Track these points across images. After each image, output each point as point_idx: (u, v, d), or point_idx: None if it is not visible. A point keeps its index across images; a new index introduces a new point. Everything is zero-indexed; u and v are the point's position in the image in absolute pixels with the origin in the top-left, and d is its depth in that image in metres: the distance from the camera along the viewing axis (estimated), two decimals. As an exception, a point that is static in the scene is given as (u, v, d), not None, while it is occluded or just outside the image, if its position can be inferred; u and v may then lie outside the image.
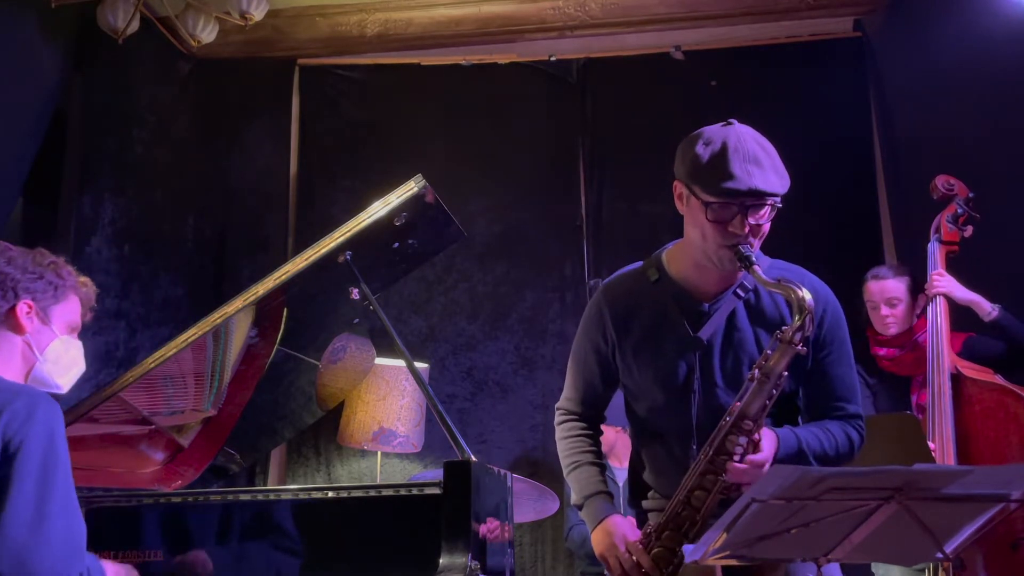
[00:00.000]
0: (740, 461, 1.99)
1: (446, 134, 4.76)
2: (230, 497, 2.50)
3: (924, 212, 3.54)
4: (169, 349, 2.59)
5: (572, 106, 4.79)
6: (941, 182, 3.46)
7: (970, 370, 3.20)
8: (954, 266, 3.41)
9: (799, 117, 4.44)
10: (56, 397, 1.95)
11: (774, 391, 2.00)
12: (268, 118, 4.88)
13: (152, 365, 2.58)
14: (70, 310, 2.12)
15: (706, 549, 1.79)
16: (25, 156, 3.82)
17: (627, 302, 2.22)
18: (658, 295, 2.18)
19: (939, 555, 1.84)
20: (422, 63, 4.87)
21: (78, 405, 2.57)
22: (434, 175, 2.78)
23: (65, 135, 4.13)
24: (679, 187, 2.11)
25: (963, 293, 3.35)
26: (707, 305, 2.14)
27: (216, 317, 2.59)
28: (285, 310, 2.85)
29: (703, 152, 2.03)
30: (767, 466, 2.00)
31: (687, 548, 1.89)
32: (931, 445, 3.09)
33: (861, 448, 2.17)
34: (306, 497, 2.45)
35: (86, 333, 2.22)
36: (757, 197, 1.99)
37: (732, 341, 2.13)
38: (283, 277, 2.58)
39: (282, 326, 2.91)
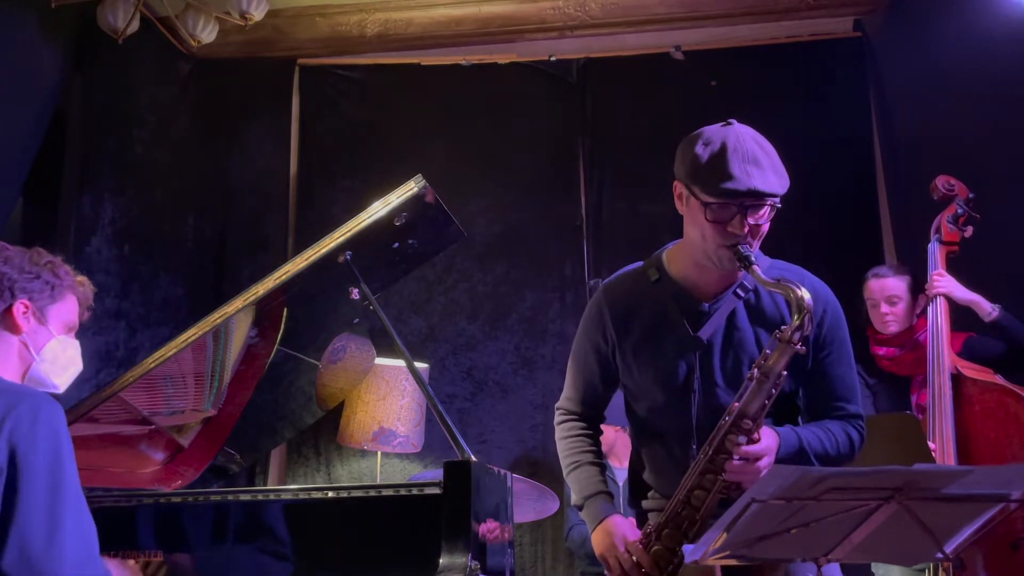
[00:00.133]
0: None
1: (446, 134, 4.76)
2: (230, 497, 2.50)
3: (924, 212, 3.54)
4: (169, 349, 2.59)
5: (572, 106, 4.79)
6: (941, 182, 3.46)
7: (970, 370, 3.20)
8: (954, 266, 3.41)
9: (799, 117, 4.44)
10: (55, 397, 1.95)
11: (773, 390, 2.00)
12: (268, 118, 4.88)
13: (152, 365, 2.58)
14: (67, 310, 2.11)
15: (706, 549, 1.79)
16: (25, 156, 3.82)
17: (627, 302, 2.22)
18: (658, 295, 2.19)
19: (939, 555, 1.84)
20: (422, 63, 4.87)
21: (78, 405, 2.57)
22: (434, 175, 2.78)
23: (65, 135, 4.13)
24: (679, 187, 2.11)
25: (963, 293, 3.35)
26: (707, 305, 2.14)
27: (216, 317, 2.59)
28: (285, 310, 2.85)
29: (703, 152, 2.03)
30: (766, 459, 2.00)
31: (687, 548, 1.89)
32: (931, 445, 3.09)
33: (861, 448, 2.17)
34: (306, 497, 2.45)
35: (86, 333, 2.22)
36: (756, 197, 1.99)
37: (732, 341, 2.13)
38: (283, 277, 2.58)
39: (282, 326, 2.91)
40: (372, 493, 2.38)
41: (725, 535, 1.74)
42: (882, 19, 4.60)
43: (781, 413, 2.16)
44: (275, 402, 3.14)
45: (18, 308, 2.01)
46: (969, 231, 3.41)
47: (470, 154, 4.72)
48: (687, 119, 2.43)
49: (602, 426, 2.40)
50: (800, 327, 1.97)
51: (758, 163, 1.99)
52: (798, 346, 1.98)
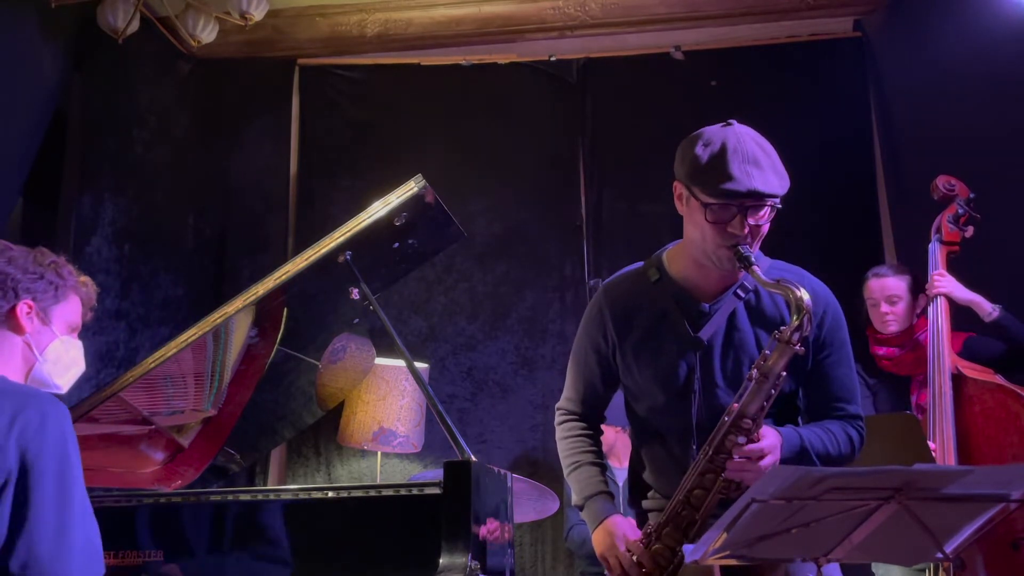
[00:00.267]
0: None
1: (446, 134, 4.76)
2: (230, 497, 2.50)
3: (924, 212, 3.54)
4: (169, 349, 2.59)
5: (572, 106, 4.79)
6: (942, 182, 3.46)
7: (971, 370, 3.20)
8: (955, 266, 3.41)
9: (799, 117, 4.44)
10: (58, 397, 1.95)
11: (772, 391, 2.00)
12: (268, 118, 4.88)
13: (152, 365, 2.58)
14: (70, 310, 2.12)
15: (706, 549, 1.79)
16: (25, 156, 3.81)
17: (627, 302, 2.22)
18: (658, 295, 2.19)
19: (939, 555, 1.84)
20: (422, 63, 4.87)
21: (78, 405, 2.57)
22: (434, 175, 2.78)
23: (65, 135, 4.13)
24: (679, 188, 2.11)
25: (964, 293, 3.35)
26: (707, 305, 2.14)
27: (216, 317, 2.59)
28: (285, 310, 2.85)
29: (703, 153, 2.03)
30: (770, 457, 2.00)
31: (687, 548, 1.89)
32: (931, 445, 3.09)
33: (861, 449, 2.17)
34: (306, 497, 2.45)
35: (86, 333, 2.22)
36: (756, 198, 1.99)
37: (732, 341, 2.13)
38: (283, 277, 2.58)
39: (282, 326, 2.91)
40: (372, 493, 2.38)
41: (725, 535, 1.74)
42: (882, 19, 4.60)
43: (781, 413, 2.16)
44: (275, 402, 3.14)
45: (22, 308, 2.01)
46: (969, 231, 3.41)
47: (470, 154, 4.72)
48: (687, 119, 2.43)
49: (602, 426, 2.40)
50: (799, 328, 1.97)
51: (758, 164, 1.99)
52: (797, 347, 1.98)
